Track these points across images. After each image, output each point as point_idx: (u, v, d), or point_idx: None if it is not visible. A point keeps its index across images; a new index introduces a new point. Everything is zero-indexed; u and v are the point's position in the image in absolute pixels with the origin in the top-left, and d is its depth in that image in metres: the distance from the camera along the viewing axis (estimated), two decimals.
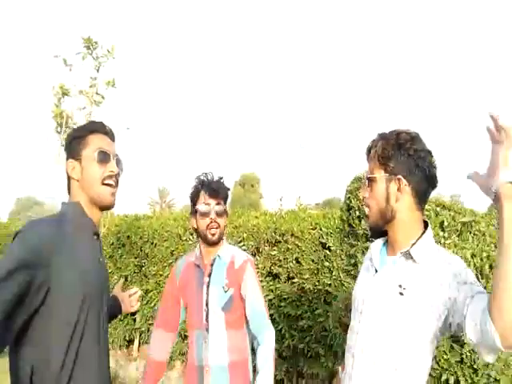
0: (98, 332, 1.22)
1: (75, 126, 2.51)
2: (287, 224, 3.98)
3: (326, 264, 3.52)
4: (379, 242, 1.38)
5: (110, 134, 1.37)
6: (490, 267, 2.30)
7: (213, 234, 1.80)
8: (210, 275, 1.83)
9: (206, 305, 1.80)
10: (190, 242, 4.87)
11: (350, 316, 1.37)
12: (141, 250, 5.19)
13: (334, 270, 3.48)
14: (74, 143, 1.30)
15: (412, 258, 1.21)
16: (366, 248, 2.95)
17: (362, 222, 2.65)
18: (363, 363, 1.24)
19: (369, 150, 1.30)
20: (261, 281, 4.01)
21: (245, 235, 4.22)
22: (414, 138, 1.24)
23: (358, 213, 2.69)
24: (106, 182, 1.29)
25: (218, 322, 1.77)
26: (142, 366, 4.96)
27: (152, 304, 5.01)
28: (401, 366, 1.18)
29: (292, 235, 3.86)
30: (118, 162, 1.36)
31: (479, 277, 2.32)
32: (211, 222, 1.80)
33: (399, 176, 1.22)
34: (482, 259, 2.32)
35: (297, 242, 3.81)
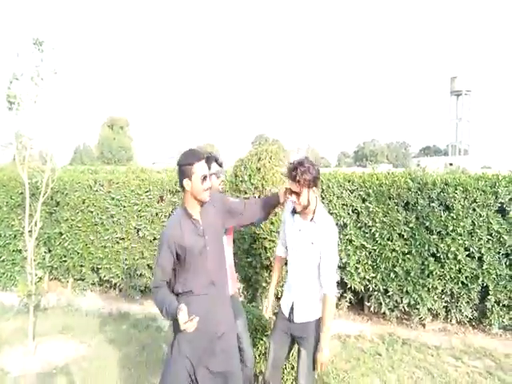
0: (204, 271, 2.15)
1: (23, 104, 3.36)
2: None
3: None
4: (293, 211, 2.40)
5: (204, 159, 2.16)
6: None
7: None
8: None
9: None
10: (101, 192, 5.75)
11: None
12: (51, 199, 5.84)
13: None
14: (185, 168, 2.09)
15: (314, 221, 2.31)
16: (245, 198, 4.43)
17: (243, 183, 4.13)
18: (296, 275, 2.40)
19: (294, 177, 2.21)
20: (163, 221, 5.26)
21: (151, 187, 5.36)
22: (314, 166, 2.26)
23: (240, 178, 4.14)
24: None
25: None
26: (55, 296, 5.83)
27: (65, 244, 5.82)
28: (311, 280, 2.36)
29: None
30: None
31: None
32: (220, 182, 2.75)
33: (313, 188, 2.27)
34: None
35: None
